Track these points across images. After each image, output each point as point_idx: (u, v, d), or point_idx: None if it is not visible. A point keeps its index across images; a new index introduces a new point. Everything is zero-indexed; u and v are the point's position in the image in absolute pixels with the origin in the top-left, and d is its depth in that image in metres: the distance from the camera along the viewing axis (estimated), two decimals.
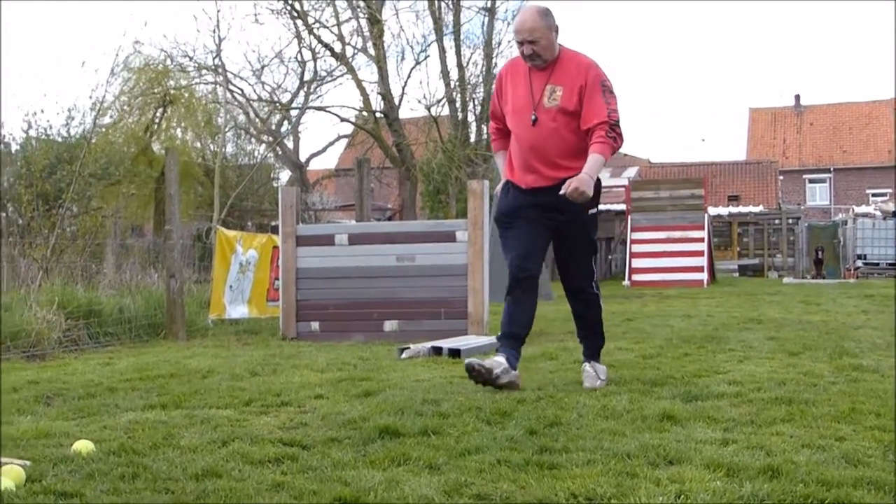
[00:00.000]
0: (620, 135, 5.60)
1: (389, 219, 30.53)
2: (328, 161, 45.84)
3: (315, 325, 9.85)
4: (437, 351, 7.76)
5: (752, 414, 4.67)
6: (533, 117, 5.66)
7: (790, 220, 32.23)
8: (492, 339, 8.60)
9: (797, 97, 59.04)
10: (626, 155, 45.04)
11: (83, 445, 4.06)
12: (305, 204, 28.06)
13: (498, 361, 5.61)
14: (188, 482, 3.47)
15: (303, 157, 32.51)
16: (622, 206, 26.11)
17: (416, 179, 28.52)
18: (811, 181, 53.79)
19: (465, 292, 9.37)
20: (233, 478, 3.54)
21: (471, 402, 5.15)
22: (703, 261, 21.66)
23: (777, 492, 3.19)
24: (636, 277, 21.96)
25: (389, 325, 9.62)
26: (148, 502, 3.20)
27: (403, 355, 7.73)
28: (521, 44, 5.62)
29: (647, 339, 8.64)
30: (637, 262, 22.24)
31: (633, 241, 22.56)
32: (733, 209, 36.16)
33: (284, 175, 31.78)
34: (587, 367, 5.89)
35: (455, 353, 7.61)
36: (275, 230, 12.99)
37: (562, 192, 5.47)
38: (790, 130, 55.91)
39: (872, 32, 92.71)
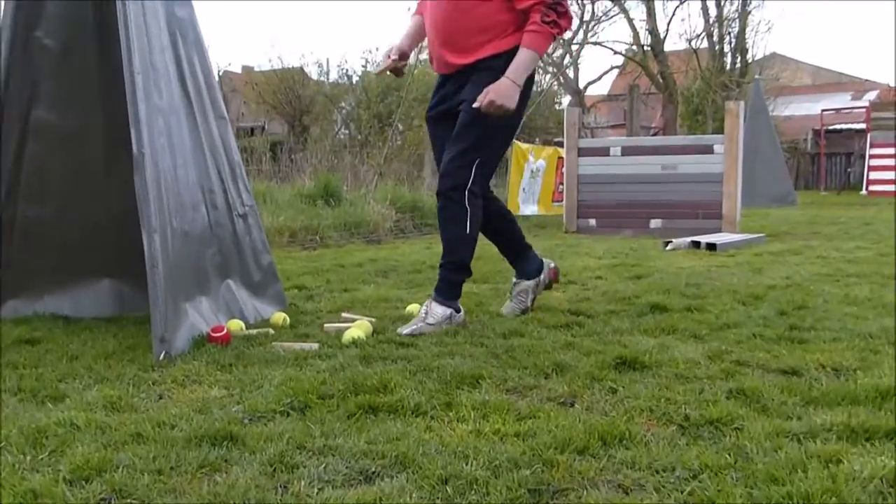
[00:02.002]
0: (564, 13, 3.72)
1: (654, 135, 29.78)
2: (602, 88, 45.19)
3: (592, 221, 9.87)
4: (696, 244, 7.59)
5: None
6: None
7: None
8: (744, 236, 8.33)
9: None
10: (867, 80, 41.73)
11: (414, 308, 4.22)
12: (582, 123, 27.81)
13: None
14: (497, 339, 3.56)
15: (581, 85, 32.13)
16: (862, 126, 24.32)
17: (678, 103, 27.64)
18: None
19: (720, 196, 9.13)
20: (533, 337, 3.61)
21: (728, 286, 5.02)
22: None
23: None
24: (873, 188, 20.53)
25: (654, 223, 9.50)
26: (468, 354, 3.31)
27: (668, 247, 7.62)
28: None
29: (884, 241, 8.10)
30: (874, 175, 20.75)
31: (871, 157, 21.03)
32: None
33: (565, 100, 31.54)
34: (422, 307, 3.92)
35: (712, 246, 7.43)
36: (559, 144, 12.97)
37: (476, 104, 3.73)
38: None
39: None
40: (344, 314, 4.23)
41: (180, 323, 3.47)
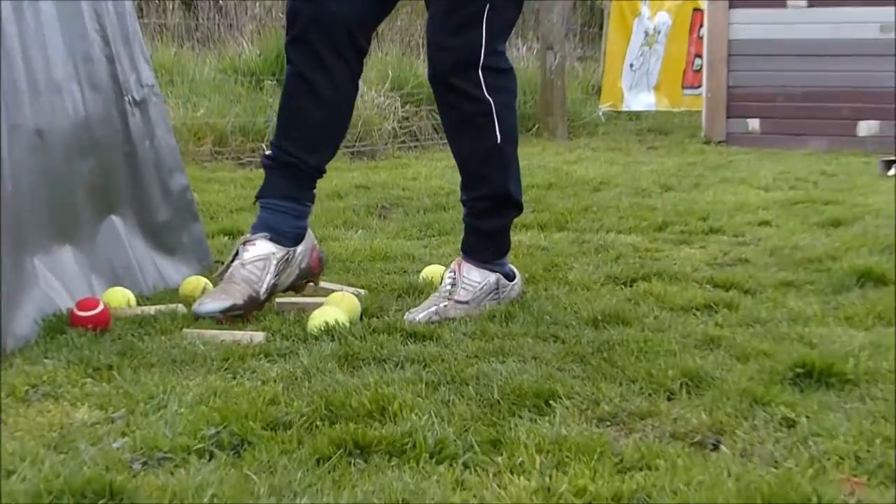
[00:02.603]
0: None
1: None
2: None
3: (754, 124, 9.83)
4: None
5: None
6: None
7: None
8: None
9: None
10: None
11: (435, 272, 4.24)
12: None
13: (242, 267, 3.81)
14: (583, 329, 3.56)
15: None
16: None
17: None
18: None
19: None
20: (646, 326, 3.61)
21: None
22: None
23: None
24: None
25: (865, 127, 9.45)
26: (530, 354, 3.30)
27: (890, 172, 7.58)
28: None
29: None
30: None
31: None
32: None
33: None
34: (447, 272, 3.96)
35: None
36: None
37: None
38: None
39: None
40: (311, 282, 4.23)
41: (23, 292, 3.48)
